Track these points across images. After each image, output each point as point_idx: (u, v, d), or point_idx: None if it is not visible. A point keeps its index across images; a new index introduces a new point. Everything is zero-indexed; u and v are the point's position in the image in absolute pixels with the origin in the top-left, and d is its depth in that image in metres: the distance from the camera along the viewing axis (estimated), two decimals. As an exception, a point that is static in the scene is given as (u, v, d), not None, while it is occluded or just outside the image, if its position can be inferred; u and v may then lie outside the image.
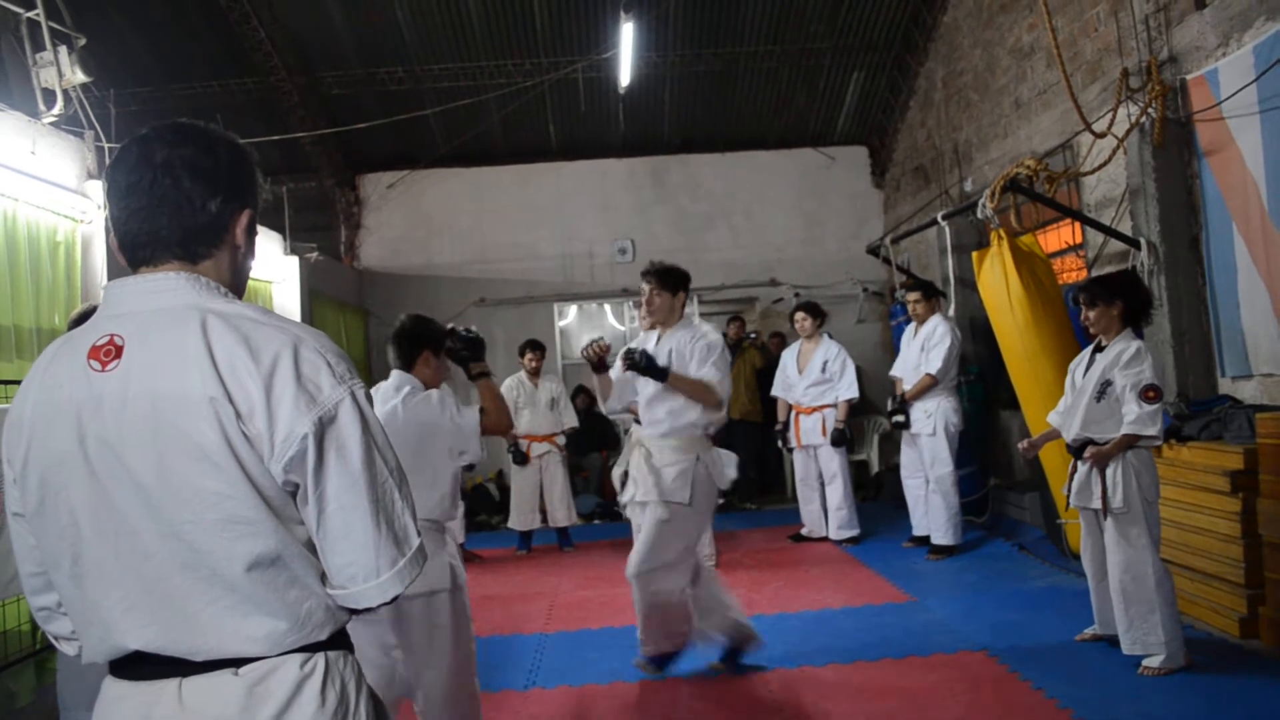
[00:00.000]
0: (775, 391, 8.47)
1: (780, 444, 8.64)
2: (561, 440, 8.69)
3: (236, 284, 1.68)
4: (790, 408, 8.31)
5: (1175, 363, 5.83)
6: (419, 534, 1.61)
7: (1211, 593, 5.06)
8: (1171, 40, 5.99)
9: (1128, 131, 6.02)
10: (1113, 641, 4.73)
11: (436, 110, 10.45)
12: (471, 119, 10.97)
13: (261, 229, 8.72)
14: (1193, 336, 5.85)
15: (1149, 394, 4.46)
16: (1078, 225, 7.18)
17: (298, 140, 10.72)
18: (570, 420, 8.74)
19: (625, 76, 9.71)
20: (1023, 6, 8.07)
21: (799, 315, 8.32)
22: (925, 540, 7.48)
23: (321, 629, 1.55)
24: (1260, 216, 5.30)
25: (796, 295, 11.09)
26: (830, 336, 8.37)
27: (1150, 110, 5.93)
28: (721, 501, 9.87)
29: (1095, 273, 6.65)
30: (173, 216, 1.58)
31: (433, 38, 10.20)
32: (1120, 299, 4.69)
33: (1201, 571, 5.14)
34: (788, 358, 8.43)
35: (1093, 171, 6.45)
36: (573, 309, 12.35)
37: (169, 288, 1.57)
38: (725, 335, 10.46)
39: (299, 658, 1.53)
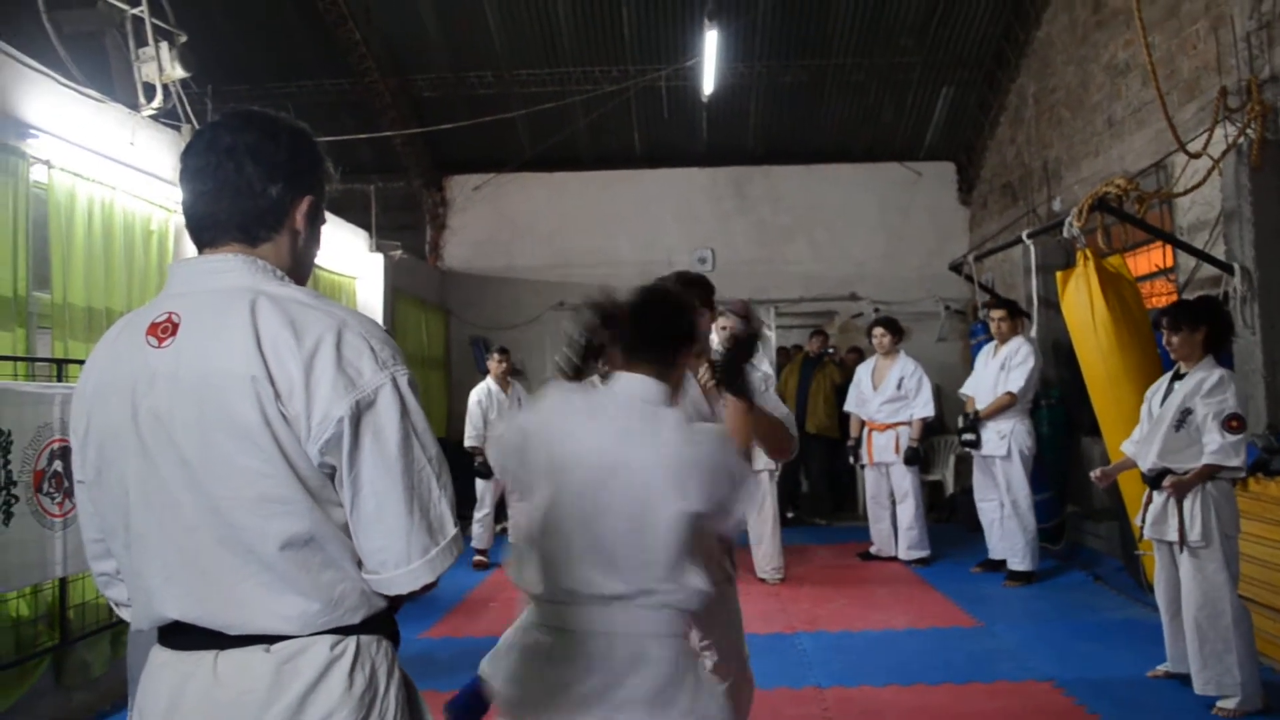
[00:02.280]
0: (849, 407, 8.37)
1: (852, 460, 8.53)
2: None
3: (297, 269, 1.72)
4: (863, 424, 8.20)
5: (1266, 394, 5.61)
6: (456, 524, 1.61)
7: (1294, 635, 4.85)
8: (1273, 58, 5.78)
9: (1224, 152, 5.82)
10: (1185, 680, 4.56)
11: (523, 113, 10.58)
12: (557, 124, 11.06)
13: (348, 226, 8.90)
14: (1286, 367, 5.63)
15: (1232, 423, 4.30)
16: (1169, 248, 6.96)
17: (388, 140, 10.94)
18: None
19: (709, 85, 9.70)
20: (1119, 23, 7.86)
21: (877, 330, 8.21)
22: (996, 565, 7.32)
23: (354, 612, 1.57)
24: (1362, 244, 5.08)
25: (876, 310, 10.94)
26: (905, 354, 8.24)
27: (1249, 130, 5.73)
28: (791, 516, 9.93)
29: (1185, 298, 6.44)
30: (233, 200, 1.63)
31: (522, 43, 10.33)
32: (1205, 324, 4.53)
33: (1285, 612, 4.93)
34: (863, 373, 8.32)
35: (1186, 193, 6.25)
36: (651, 316, 12.35)
37: (227, 268, 1.61)
38: (805, 349, 10.38)
39: (330, 639, 1.55)
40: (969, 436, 7.28)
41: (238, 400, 1.49)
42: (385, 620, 1.64)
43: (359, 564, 1.57)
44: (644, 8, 9.91)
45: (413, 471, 1.56)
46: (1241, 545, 4.51)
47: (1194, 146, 6.02)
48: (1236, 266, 5.76)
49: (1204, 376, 4.47)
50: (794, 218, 11.93)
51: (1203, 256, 6.06)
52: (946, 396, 10.09)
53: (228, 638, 1.54)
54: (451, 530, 1.60)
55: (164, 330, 1.57)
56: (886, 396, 8.01)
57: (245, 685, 1.52)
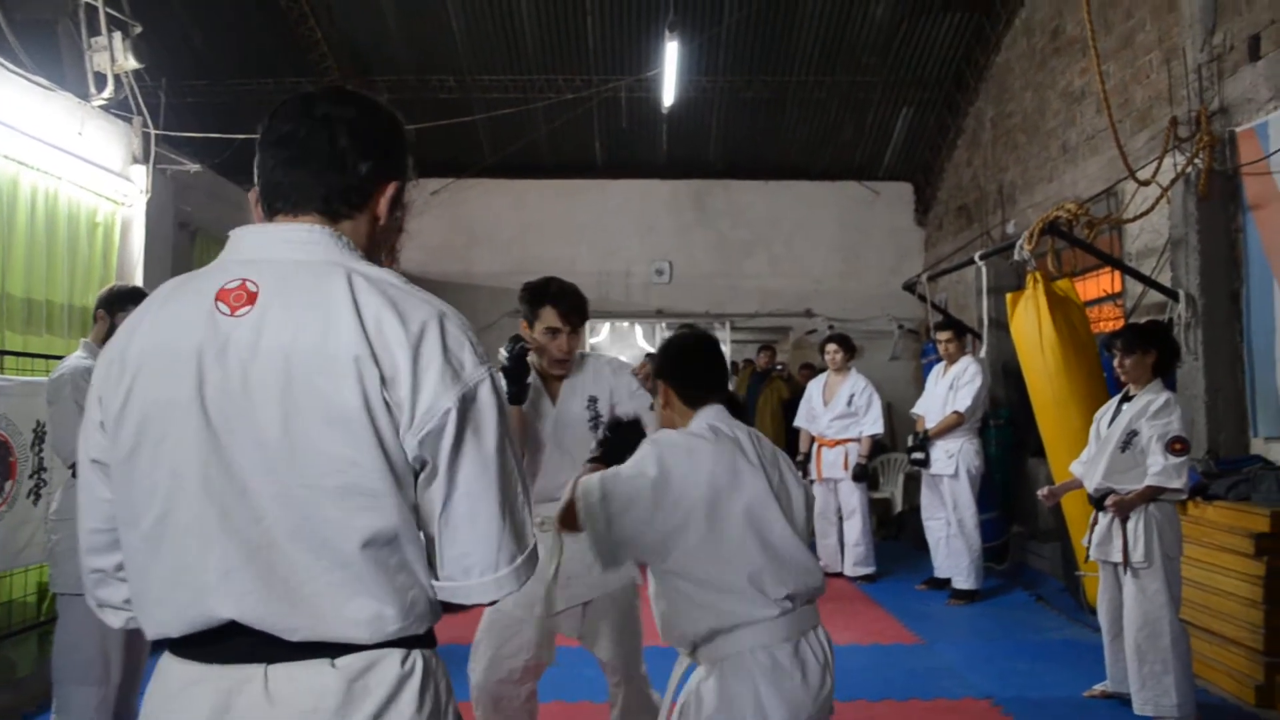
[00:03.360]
0: (799, 422, 8.40)
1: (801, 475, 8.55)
2: None
3: (370, 256, 1.59)
4: (813, 439, 8.23)
5: (1208, 419, 5.70)
6: (534, 535, 1.53)
7: (1229, 657, 4.91)
8: (1223, 91, 5.89)
9: (1173, 181, 5.92)
10: (1124, 699, 4.60)
11: (484, 117, 10.53)
12: (518, 131, 11.03)
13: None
14: (1227, 393, 5.72)
15: (1176, 446, 4.35)
16: (1117, 274, 7.07)
17: (346, 141, 10.83)
18: None
19: (669, 96, 9.72)
20: (1076, 51, 7.99)
21: (830, 347, 8.25)
22: (942, 583, 7.36)
23: (422, 622, 1.45)
24: (1303, 275, 5.18)
25: (830, 327, 11.01)
26: (857, 371, 8.28)
27: (1197, 160, 5.83)
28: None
29: (1135, 322, 6.54)
30: (320, 171, 1.53)
31: (485, 48, 10.29)
32: (1156, 348, 4.60)
33: (1220, 635, 4.99)
34: (814, 389, 8.35)
35: (1135, 219, 6.34)
36: (606, 326, 12.35)
37: (311, 240, 1.50)
38: (753, 363, 10.42)
39: (399, 653, 1.42)
40: (918, 455, 7.33)
41: (337, 381, 1.37)
42: (432, 633, 1.53)
43: (428, 569, 1.46)
44: (608, 17, 9.92)
45: (507, 474, 1.47)
46: (1182, 568, 4.57)
47: (1144, 174, 6.12)
48: (1182, 293, 5.85)
49: (1151, 399, 4.54)
50: (753, 233, 11.99)
51: (1149, 283, 6.15)
52: (897, 415, 10.17)
53: (282, 648, 1.38)
54: (532, 540, 1.51)
55: (237, 298, 1.42)
56: (836, 413, 8.04)
57: (310, 703, 1.37)
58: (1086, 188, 7.65)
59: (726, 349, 11.55)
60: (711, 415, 2.55)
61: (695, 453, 2.42)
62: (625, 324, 12.28)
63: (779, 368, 10.94)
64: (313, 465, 1.37)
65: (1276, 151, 5.31)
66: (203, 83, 10.08)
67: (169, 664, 1.46)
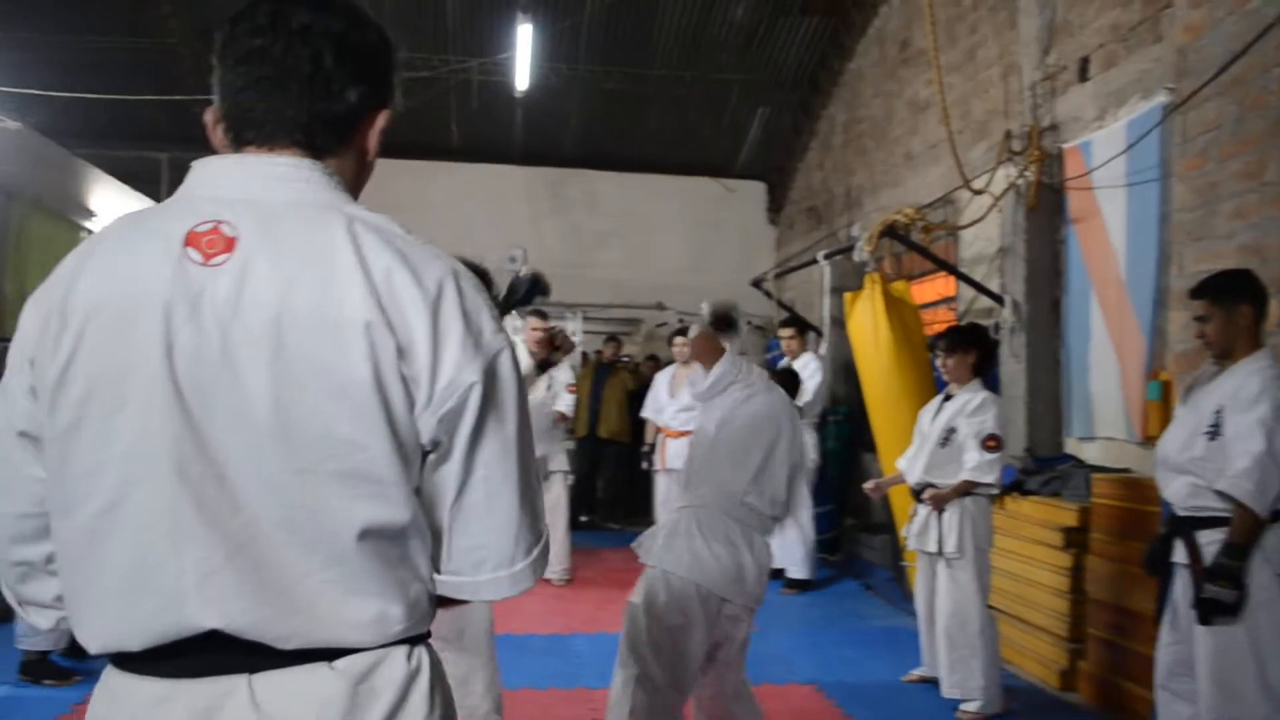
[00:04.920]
0: (645, 413, 8.45)
1: (646, 465, 8.62)
2: None
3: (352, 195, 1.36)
4: (659, 430, 8.29)
5: (1027, 419, 5.99)
6: (547, 527, 1.37)
7: (1037, 644, 5.18)
8: (1055, 109, 6.19)
9: (1004, 192, 6.20)
10: (939, 683, 4.80)
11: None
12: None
13: (137, 196, 8.29)
14: (1046, 395, 6.02)
15: (990, 443, 4.57)
16: (952, 278, 7.36)
17: (187, 108, 10.33)
18: None
19: (523, 81, 9.63)
20: (923, 62, 8.26)
21: (678, 340, 8.33)
22: (777, 573, 7.52)
23: (425, 620, 1.27)
24: (1117, 286, 5.49)
25: (681, 321, 11.11)
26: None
27: (1027, 173, 6.11)
28: (586, 519, 9.97)
29: (959, 324, 6.82)
30: (304, 95, 1.27)
31: (339, 18, 9.98)
32: (976, 349, 4.82)
33: (1029, 623, 5.26)
34: (660, 381, 8.42)
35: (968, 226, 6.62)
36: (457, 312, 12.18)
37: (300, 178, 1.25)
38: (600, 354, 10.46)
39: (403, 649, 1.24)
40: (757, 447, 7.46)
41: (343, 351, 1.16)
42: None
43: (430, 562, 1.28)
44: (469, -2, 9.78)
45: (527, 457, 1.29)
46: (994, 559, 4.80)
47: (979, 184, 6.38)
48: (1008, 299, 6.13)
49: (970, 398, 4.75)
50: (608, 224, 12.02)
51: (978, 287, 6.43)
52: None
53: (268, 655, 1.17)
54: (545, 528, 1.34)
55: (211, 243, 1.18)
56: (682, 404, 8.11)
57: (308, 715, 1.17)
58: (927, 194, 7.93)
59: (578, 339, 11.56)
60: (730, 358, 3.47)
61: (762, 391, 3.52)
62: (477, 310, 12.11)
63: (625, 359, 11.01)
64: (309, 447, 1.17)
65: (1099, 167, 5.61)
66: (21, 34, 9.43)
67: (120, 682, 1.22)
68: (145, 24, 9.80)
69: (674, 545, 3.32)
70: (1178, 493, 3.37)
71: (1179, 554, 3.36)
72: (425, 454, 1.24)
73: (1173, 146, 4.65)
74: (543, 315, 7.48)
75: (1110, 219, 5.58)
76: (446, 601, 1.32)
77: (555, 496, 7.16)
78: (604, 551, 8.61)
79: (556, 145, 11.86)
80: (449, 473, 1.24)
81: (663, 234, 12.06)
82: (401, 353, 1.18)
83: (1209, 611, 3.17)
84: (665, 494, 8.16)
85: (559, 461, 7.23)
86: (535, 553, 1.31)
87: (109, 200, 8.24)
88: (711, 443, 3.47)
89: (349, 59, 1.30)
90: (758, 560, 3.39)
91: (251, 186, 1.25)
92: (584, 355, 11.36)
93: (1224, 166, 4.14)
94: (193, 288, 1.17)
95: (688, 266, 12.01)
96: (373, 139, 1.37)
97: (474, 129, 11.54)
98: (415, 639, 1.26)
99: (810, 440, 7.40)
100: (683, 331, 8.38)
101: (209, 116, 1.33)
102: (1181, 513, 3.37)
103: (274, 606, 1.17)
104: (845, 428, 8.35)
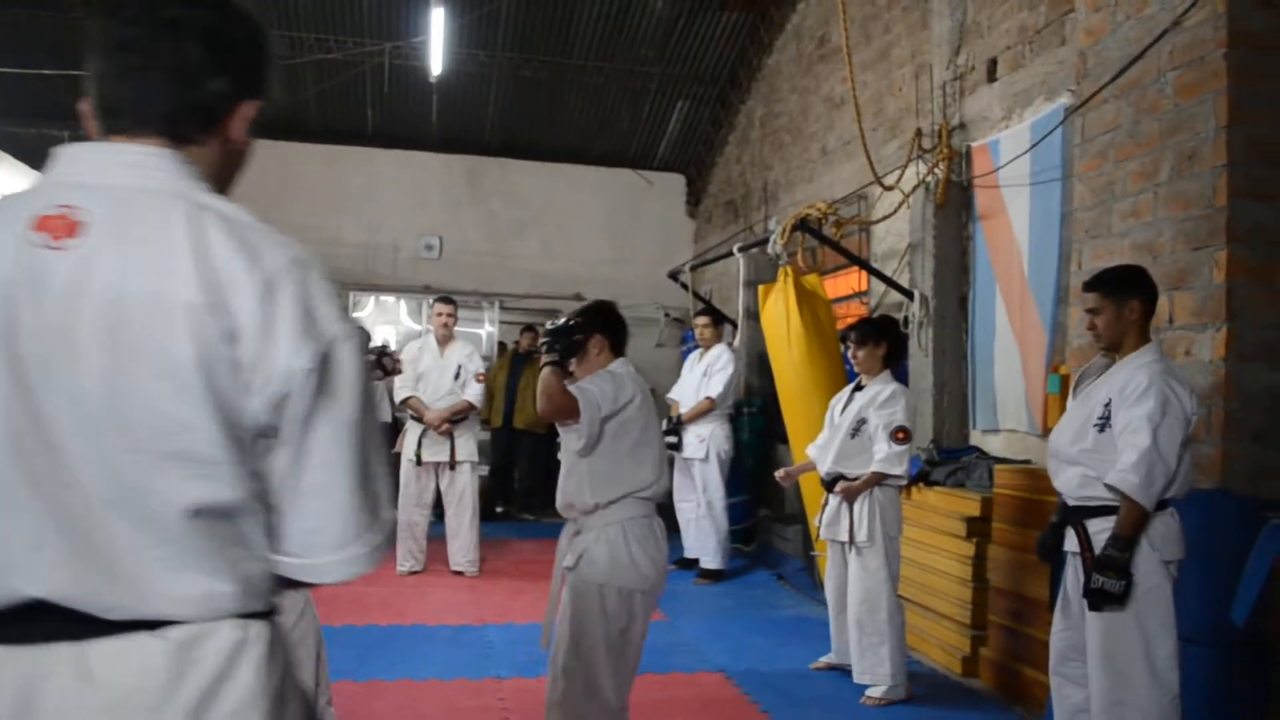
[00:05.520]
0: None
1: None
2: None
3: (219, 187, 1.39)
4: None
5: (934, 411, 6.12)
6: (393, 511, 1.39)
7: (941, 631, 5.31)
8: (963, 108, 6.32)
9: (914, 188, 6.31)
10: (846, 670, 4.89)
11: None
12: (284, 90, 10.53)
13: (35, 176, 8.10)
14: (952, 388, 6.16)
15: (898, 435, 4.66)
16: (865, 273, 7.48)
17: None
18: (383, 416, 8.45)
19: (436, 66, 9.50)
20: (838, 59, 8.35)
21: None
22: (691, 563, 7.58)
23: (259, 598, 1.30)
24: (1020, 281, 5.63)
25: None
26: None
27: (936, 171, 6.24)
28: (501, 510, 9.92)
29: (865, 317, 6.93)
30: (166, 85, 1.32)
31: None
32: (886, 341, 4.91)
33: (934, 610, 5.38)
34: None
35: (878, 221, 6.74)
36: (370, 300, 11.99)
37: (153, 165, 1.30)
38: (517, 345, 10.41)
39: (235, 621, 1.26)
40: (671, 439, 7.51)
41: (171, 332, 1.20)
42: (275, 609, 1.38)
43: (269, 543, 1.31)
44: (386, -20, 9.62)
45: (366, 443, 1.31)
46: (902, 548, 4.90)
47: (890, 180, 6.49)
48: (917, 294, 6.25)
49: (880, 390, 4.84)
50: (526, 213, 11.95)
51: (888, 281, 6.55)
52: (660, 400, 10.37)
53: (97, 624, 1.21)
54: (390, 515, 1.37)
55: (60, 227, 1.22)
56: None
57: (132, 682, 1.20)
58: (841, 190, 8.04)
59: (495, 330, 11.52)
60: (624, 362, 3.61)
61: (635, 380, 3.54)
62: (391, 299, 11.94)
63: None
64: (139, 426, 1.20)
65: (1005, 166, 5.75)
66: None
67: None
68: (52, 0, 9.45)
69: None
70: (1068, 483, 3.47)
71: (1070, 543, 3.46)
72: (264, 437, 1.27)
73: (1073, 147, 4.79)
74: (450, 301, 7.45)
75: (1015, 216, 5.73)
76: (293, 582, 1.34)
77: (463, 486, 7.11)
78: (516, 543, 8.59)
79: (474, 132, 11.73)
80: (284, 456, 1.27)
81: (581, 224, 12.03)
82: (229, 337, 1.22)
83: (1098, 600, 3.27)
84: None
85: (469, 451, 7.18)
86: (372, 538, 1.34)
87: (5, 179, 7.94)
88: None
89: (217, 50, 1.35)
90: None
91: (105, 173, 1.30)
92: (500, 345, 11.31)
93: (1120, 167, 4.28)
94: (37, 270, 1.22)
95: (607, 258, 12.00)
96: (240, 128, 1.41)
97: (389, 114, 11.35)
98: (253, 615, 1.29)
99: (724, 432, 7.46)
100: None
101: (83, 107, 1.37)
102: (1072, 502, 3.47)
103: (102, 579, 1.21)
104: (760, 420, 8.43)
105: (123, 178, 1.29)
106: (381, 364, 4.45)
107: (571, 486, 3.50)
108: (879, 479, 4.72)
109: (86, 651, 1.21)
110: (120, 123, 1.33)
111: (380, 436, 1.39)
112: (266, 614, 1.32)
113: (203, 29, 1.34)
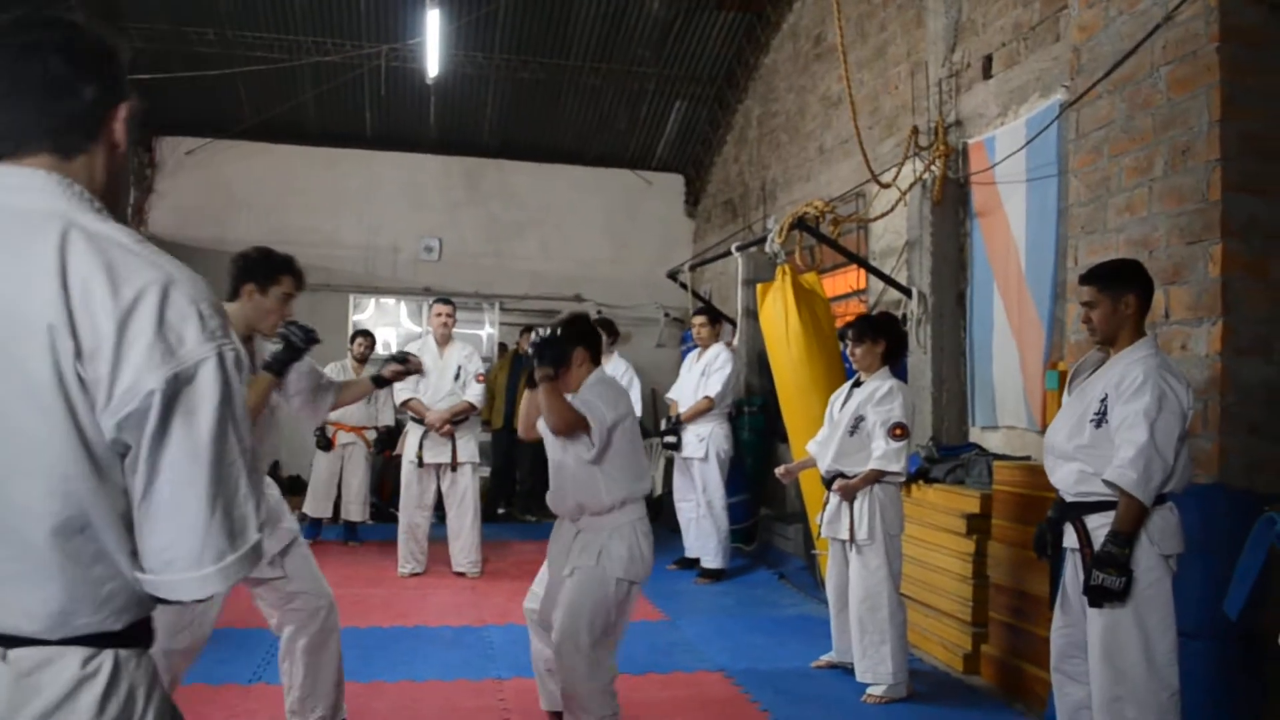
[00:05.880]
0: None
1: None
2: (371, 435, 8.48)
3: (112, 189, 1.45)
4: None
5: (933, 408, 6.12)
6: (260, 530, 1.40)
7: (942, 629, 5.30)
8: (959, 105, 6.33)
9: (910, 186, 6.32)
10: (847, 669, 4.89)
11: (243, 70, 9.97)
12: (284, 93, 10.55)
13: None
14: (951, 385, 6.16)
15: (896, 431, 4.66)
16: (862, 270, 7.48)
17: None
18: (386, 418, 8.49)
19: (433, 68, 9.50)
20: (835, 58, 8.34)
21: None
22: (692, 563, 7.59)
23: (119, 616, 1.33)
24: (1018, 278, 5.64)
25: (599, 313, 11.12)
26: (620, 355, 8.41)
27: (933, 168, 6.24)
28: (503, 511, 9.93)
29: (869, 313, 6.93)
30: (40, 102, 1.37)
31: (250, 3, 9.76)
32: (884, 338, 4.91)
33: (935, 608, 5.38)
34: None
35: (877, 219, 6.74)
36: (371, 302, 12.00)
37: (33, 186, 1.34)
38: (517, 346, 10.42)
39: (82, 653, 1.30)
40: (670, 439, 7.54)
41: (28, 351, 1.24)
42: (147, 626, 1.41)
43: (133, 560, 1.33)
44: (383, -17, 9.63)
45: (224, 464, 1.32)
46: (903, 546, 4.90)
47: (887, 178, 6.50)
48: (915, 291, 6.26)
49: (877, 386, 4.84)
50: (525, 214, 11.95)
51: (886, 279, 6.55)
52: (662, 400, 10.38)
53: None
54: (254, 536, 1.37)
55: None
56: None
57: None
58: (839, 188, 8.04)
59: (494, 331, 11.53)
60: (601, 370, 3.83)
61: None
62: (391, 300, 11.95)
63: (536, 351, 10.96)
64: (1, 443, 1.25)
65: (1001, 162, 5.75)
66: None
67: None
68: (47, 4, 9.45)
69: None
70: (1065, 479, 3.46)
71: (1070, 539, 3.46)
72: (123, 456, 1.30)
73: (1068, 143, 4.79)
74: (448, 302, 7.47)
75: (1012, 213, 5.73)
76: (164, 600, 1.37)
77: (464, 487, 7.12)
78: (517, 544, 8.60)
79: (472, 134, 11.74)
80: (138, 475, 1.30)
81: (580, 225, 12.03)
82: (83, 355, 1.25)
83: (1098, 597, 3.27)
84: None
85: (470, 453, 7.19)
86: (229, 560, 1.33)
87: None
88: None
89: (78, 63, 1.40)
90: None
91: None
92: (501, 346, 11.32)
93: (1115, 162, 4.28)
94: None
95: (606, 258, 12.01)
96: (121, 130, 1.46)
97: (387, 116, 11.37)
98: (109, 639, 1.32)
99: (724, 431, 7.47)
100: (599, 323, 8.38)
101: None
102: (1070, 498, 3.46)
103: None
104: (760, 419, 8.43)
105: (3, 200, 1.33)
106: (407, 369, 4.41)
107: (583, 490, 3.67)
108: (877, 476, 4.71)
109: None
110: (4, 146, 1.38)
111: (252, 458, 1.40)
112: (128, 634, 1.35)
113: (60, 45, 1.39)
